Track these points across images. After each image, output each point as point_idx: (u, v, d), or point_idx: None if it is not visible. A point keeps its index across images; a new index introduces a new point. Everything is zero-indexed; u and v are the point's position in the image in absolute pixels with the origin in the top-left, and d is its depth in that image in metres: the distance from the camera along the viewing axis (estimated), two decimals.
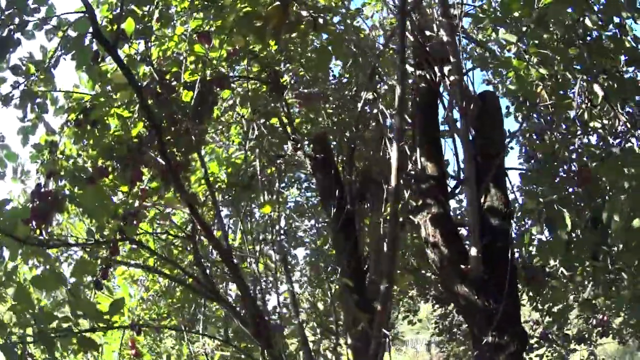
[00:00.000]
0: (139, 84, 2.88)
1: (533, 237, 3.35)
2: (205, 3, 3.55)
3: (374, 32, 4.20)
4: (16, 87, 3.27)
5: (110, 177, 3.56)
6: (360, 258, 4.04)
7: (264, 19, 3.14)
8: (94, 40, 2.77)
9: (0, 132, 3.66)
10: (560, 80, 3.09)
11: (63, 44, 3.09)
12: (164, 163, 3.66)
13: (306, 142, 4.40)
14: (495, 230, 3.33)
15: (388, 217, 3.81)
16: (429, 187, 3.54)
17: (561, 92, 3.13)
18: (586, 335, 5.59)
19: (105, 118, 3.45)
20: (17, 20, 2.83)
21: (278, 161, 4.25)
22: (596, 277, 3.36)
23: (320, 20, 3.18)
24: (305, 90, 4.16)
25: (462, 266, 3.25)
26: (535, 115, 3.68)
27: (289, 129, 4.31)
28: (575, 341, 5.57)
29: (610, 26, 3.01)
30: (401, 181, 2.87)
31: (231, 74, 3.95)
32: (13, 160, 3.79)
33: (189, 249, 4.09)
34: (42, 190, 3.38)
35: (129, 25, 3.12)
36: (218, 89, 3.72)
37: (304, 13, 3.23)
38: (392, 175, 2.72)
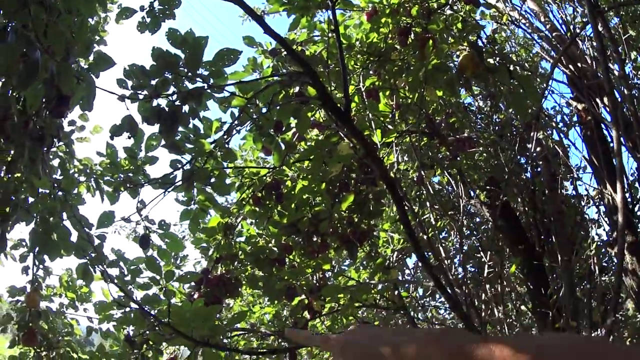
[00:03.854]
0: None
1: None
2: (371, 59, 3.62)
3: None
4: (178, 168, 2.82)
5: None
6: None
7: (459, 69, 3.22)
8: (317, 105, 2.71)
9: (162, 219, 3.19)
10: None
11: (248, 111, 2.80)
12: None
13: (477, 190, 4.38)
14: None
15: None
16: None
17: None
18: None
19: (293, 192, 3.24)
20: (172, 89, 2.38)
21: (450, 212, 4.20)
22: None
23: (511, 67, 3.27)
24: (461, 136, 4.11)
25: None
26: None
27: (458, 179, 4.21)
28: None
29: None
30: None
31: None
32: (178, 250, 3.40)
33: None
34: (210, 276, 3.11)
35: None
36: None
37: (490, 60, 3.33)
38: (619, 213, 2.76)
